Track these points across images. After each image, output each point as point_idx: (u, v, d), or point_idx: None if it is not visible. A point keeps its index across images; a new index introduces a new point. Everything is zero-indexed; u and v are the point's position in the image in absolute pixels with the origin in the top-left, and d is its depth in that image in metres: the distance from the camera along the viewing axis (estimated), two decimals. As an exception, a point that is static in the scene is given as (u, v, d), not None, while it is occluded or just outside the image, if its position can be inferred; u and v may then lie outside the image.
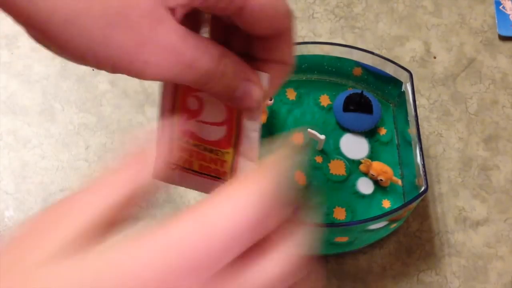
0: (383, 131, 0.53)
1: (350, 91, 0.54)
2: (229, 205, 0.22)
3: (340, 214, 0.49)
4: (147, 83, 0.58)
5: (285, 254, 0.24)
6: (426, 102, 0.58)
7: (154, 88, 0.58)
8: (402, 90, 0.53)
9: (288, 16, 0.30)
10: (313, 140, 0.52)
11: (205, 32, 0.33)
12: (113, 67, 0.28)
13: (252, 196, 0.23)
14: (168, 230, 0.23)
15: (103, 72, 0.58)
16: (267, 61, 0.32)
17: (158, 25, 0.27)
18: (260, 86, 0.31)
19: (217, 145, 0.32)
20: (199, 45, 0.29)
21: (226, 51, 0.30)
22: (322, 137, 0.51)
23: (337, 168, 0.52)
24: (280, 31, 0.30)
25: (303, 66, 0.55)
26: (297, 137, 0.53)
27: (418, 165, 0.48)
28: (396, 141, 0.53)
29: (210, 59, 0.29)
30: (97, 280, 0.21)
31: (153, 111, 0.57)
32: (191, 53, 0.28)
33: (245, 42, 0.32)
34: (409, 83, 0.51)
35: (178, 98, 0.34)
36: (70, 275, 0.22)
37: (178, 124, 0.33)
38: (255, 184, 0.23)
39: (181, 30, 0.28)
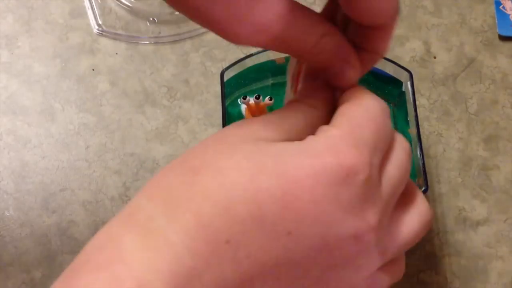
0: (383, 131, 0.53)
1: (350, 91, 0.54)
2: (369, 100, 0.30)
3: (340, 214, 0.49)
4: (147, 83, 0.58)
5: (405, 148, 0.30)
6: (426, 102, 0.58)
7: (154, 88, 0.58)
8: (402, 90, 0.53)
9: (395, 12, 0.31)
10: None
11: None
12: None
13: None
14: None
15: (103, 72, 0.58)
16: (360, 47, 0.32)
17: (256, 4, 0.28)
18: (356, 69, 0.32)
19: None
20: (301, 23, 0.29)
21: (331, 28, 0.30)
22: (322, 137, 0.51)
23: (337, 168, 0.52)
24: (383, 24, 0.31)
25: (303, 66, 0.55)
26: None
27: (418, 165, 0.48)
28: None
29: (309, 38, 0.29)
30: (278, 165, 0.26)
31: (153, 111, 0.57)
32: (289, 32, 0.29)
33: (345, 23, 0.32)
34: (409, 83, 0.51)
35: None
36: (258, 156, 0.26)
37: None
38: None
39: (281, 5, 0.28)
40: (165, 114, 0.57)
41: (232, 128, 0.29)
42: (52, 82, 0.58)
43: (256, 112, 0.52)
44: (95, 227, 0.52)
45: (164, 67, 0.58)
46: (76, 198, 0.53)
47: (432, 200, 0.53)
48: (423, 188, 0.46)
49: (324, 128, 0.28)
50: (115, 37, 0.60)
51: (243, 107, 0.53)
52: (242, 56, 0.53)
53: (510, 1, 0.62)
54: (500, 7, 0.62)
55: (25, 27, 0.60)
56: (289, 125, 0.29)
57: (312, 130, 0.29)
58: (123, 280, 0.24)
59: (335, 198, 0.26)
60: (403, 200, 0.31)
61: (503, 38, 0.60)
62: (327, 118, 0.31)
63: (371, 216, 0.27)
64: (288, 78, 0.36)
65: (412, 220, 0.30)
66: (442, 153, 0.55)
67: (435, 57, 0.60)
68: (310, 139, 0.28)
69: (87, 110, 0.57)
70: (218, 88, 0.53)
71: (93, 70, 0.58)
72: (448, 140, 0.56)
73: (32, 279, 0.50)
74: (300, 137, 0.28)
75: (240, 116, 0.53)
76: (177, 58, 0.59)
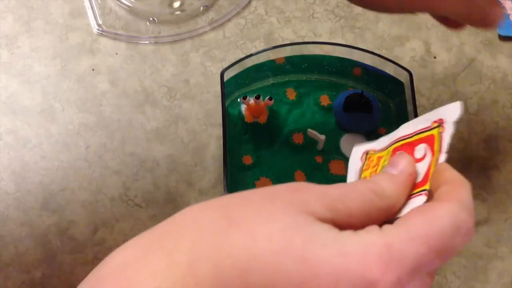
0: (383, 131, 0.53)
1: (350, 91, 0.54)
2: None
3: (340, 214, 0.49)
4: (147, 83, 0.58)
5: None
6: (426, 102, 0.58)
7: (154, 88, 0.58)
8: (402, 90, 0.53)
9: None
10: (313, 140, 0.52)
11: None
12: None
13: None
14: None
15: (103, 72, 0.58)
16: None
17: None
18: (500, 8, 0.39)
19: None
20: None
21: None
22: (322, 137, 0.51)
23: (337, 168, 0.52)
24: None
25: (303, 66, 0.55)
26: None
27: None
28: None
29: None
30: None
31: (153, 111, 0.57)
32: None
33: None
34: (409, 83, 0.51)
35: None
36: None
37: None
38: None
39: None
40: (165, 114, 0.57)
41: (285, 188, 0.28)
42: (52, 82, 0.58)
43: (256, 112, 0.52)
44: (95, 227, 0.52)
45: (164, 67, 0.59)
46: (76, 198, 0.53)
47: (432, 200, 0.53)
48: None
49: (371, 228, 0.27)
50: (115, 37, 0.60)
51: (243, 107, 0.53)
52: (242, 56, 0.53)
53: (510, 1, 0.62)
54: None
55: (25, 27, 0.60)
56: (343, 206, 0.28)
57: (367, 220, 0.28)
58: None
59: None
60: None
61: (503, 38, 0.60)
62: (392, 213, 0.29)
63: None
64: (358, 156, 0.36)
65: None
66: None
67: (435, 57, 0.60)
68: (350, 234, 0.26)
69: (87, 110, 0.57)
70: (218, 88, 0.53)
71: (93, 70, 0.58)
72: (448, 140, 0.56)
73: (32, 279, 0.50)
74: (351, 222, 0.27)
75: (240, 116, 0.53)
76: (177, 58, 0.59)
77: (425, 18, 0.61)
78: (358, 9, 0.62)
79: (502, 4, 0.62)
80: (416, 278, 0.26)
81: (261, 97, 0.51)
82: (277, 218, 0.26)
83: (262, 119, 0.53)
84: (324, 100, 0.54)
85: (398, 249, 0.26)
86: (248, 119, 0.53)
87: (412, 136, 0.33)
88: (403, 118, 0.52)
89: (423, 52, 0.60)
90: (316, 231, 0.26)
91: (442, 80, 0.59)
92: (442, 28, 0.61)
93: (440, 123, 0.33)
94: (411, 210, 0.28)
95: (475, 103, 0.58)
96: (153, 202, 0.53)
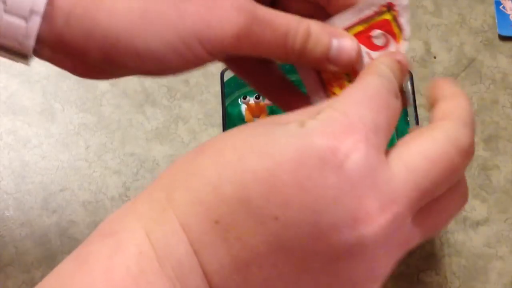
0: (383, 131, 0.53)
1: (350, 91, 0.54)
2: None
3: (340, 214, 0.49)
4: (147, 83, 0.58)
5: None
6: (426, 102, 0.57)
7: (154, 88, 0.58)
8: (403, 90, 0.53)
9: None
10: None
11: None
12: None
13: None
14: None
15: (103, 72, 0.58)
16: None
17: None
18: (351, 37, 0.31)
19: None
20: (271, 10, 0.30)
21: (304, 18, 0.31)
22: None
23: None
24: None
25: (303, 66, 0.55)
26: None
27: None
28: (396, 141, 0.53)
29: (290, 17, 0.30)
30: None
31: (153, 111, 0.57)
32: (265, 11, 0.29)
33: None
34: (409, 83, 0.51)
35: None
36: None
37: None
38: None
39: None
40: (165, 114, 0.57)
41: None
42: (52, 82, 0.58)
43: (256, 112, 0.52)
44: (95, 227, 0.52)
45: (164, 67, 0.58)
46: (76, 198, 0.53)
47: (432, 200, 0.53)
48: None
49: (323, 110, 0.27)
50: (115, 37, 0.60)
51: (243, 107, 0.53)
52: (242, 56, 0.53)
53: (510, 1, 0.62)
54: (500, 7, 0.62)
55: (25, 27, 0.60)
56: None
57: None
58: (126, 246, 0.25)
59: (324, 182, 0.24)
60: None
61: (503, 38, 0.60)
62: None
63: (371, 204, 0.24)
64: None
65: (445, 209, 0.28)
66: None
67: (435, 57, 0.60)
68: (308, 121, 0.26)
69: (87, 110, 0.57)
70: (218, 88, 0.53)
71: (93, 70, 0.58)
72: (448, 140, 0.56)
73: (32, 279, 0.50)
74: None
75: (240, 116, 0.53)
76: (177, 58, 0.59)
77: (425, 18, 0.61)
78: (358, 9, 0.62)
79: (502, 4, 0.62)
80: (381, 137, 0.26)
81: (261, 97, 0.51)
82: (242, 132, 0.26)
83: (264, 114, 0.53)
84: (324, 100, 0.54)
85: (354, 112, 0.25)
86: (248, 119, 0.53)
87: (358, 25, 0.31)
88: (403, 118, 0.52)
89: (423, 52, 0.60)
90: (279, 129, 0.26)
91: (442, 80, 0.59)
92: (442, 28, 0.61)
93: (389, 7, 0.31)
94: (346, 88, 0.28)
95: (475, 103, 0.58)
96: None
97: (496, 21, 0.61)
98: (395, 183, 0.25)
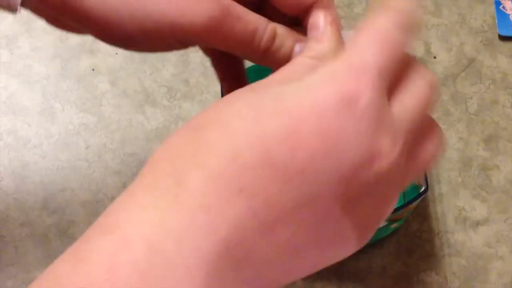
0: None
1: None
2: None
3: (340, 214, 0.49)
4: (147, 83, 0.58)
5: (426, 78, 0.28)
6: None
7: (154, 88, 0.58)
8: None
9: None
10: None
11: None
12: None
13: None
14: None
15: (103, 72, 0.58)
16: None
17: None
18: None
19: None
20: (244, 8, 0.30)
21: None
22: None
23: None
24: (307, 7, 0.31)
25: (303, 66, 0.55)
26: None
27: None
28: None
29: (260, 17, 0.30)
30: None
31: (153, 111, 0.57)
32: (238, 7, 0.30)
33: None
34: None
35: None
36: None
37: None
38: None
39: None
40: (165, 114, 0.57)
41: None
42: (52, 82, 0.58)
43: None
44: (95, 227, 0.52)
45: (164, 67, 0.59)
46: (76, 198, 0.53)
47: (432, 200, 0.53)
48: (423, 188, 0.46)
49: (324, 60, 0.28)
50: (115, 37, 0.60)
51: (243, 107, 0.53)
52: (242, 56, 0.53)
53: (510, 1, 0.62)
54: (500, 7, 0.62)
55: (25, 27, 0.60)
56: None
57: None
58: (132, 241, 0.24)
59: (342, 128, 0.25)
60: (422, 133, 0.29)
61: (503, 38, 0.60)
62: None
63: (384, 141, 0.26)
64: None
65: (428, 149, 0.29)
66: (442, 153, 0.55)
67: (435, 57, 0.60)
68: (308, 74, 0.26)
69: (87, 110, 0.57)
70: (218, 88, 0.53)
71: (93, 70, 0.58)
72: (448, 140, 0.56)
73: (32, 279, 0.50)
74: None
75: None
76: (177, 58, 0.59)
77: (425, 18, 0.61)
78: (358, 9, 0.62)
79: (502, 4, 0.62)
80: (386, 80, 0.27)
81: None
82: (237, 99, 0.26)
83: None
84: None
85: (357, 57, 0.26)
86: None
87: None
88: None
89: (423, 52, 0.60)
90: (278, 88, 0.26)
91: (442, 80, 0.59)
92: (442, 28, 0.61)
93: None
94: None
95: (475, 103, 0.58)
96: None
97: (496, 21, 0.61)
98: (396, 122, 0.27)
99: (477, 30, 0.61)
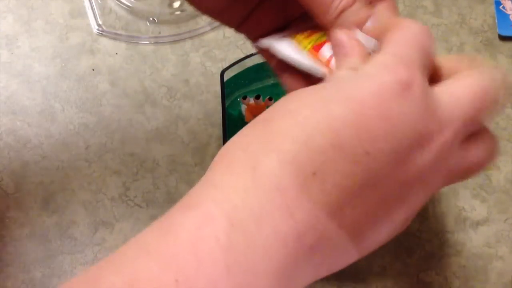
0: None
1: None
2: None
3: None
4: (147, 83, 0.58)
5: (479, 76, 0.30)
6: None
7: (154, 88, 0.58)
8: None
9: None
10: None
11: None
12: None
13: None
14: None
15: (103, 72, 0.58)
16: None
17: None
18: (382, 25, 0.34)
19: None
20: None
21: None
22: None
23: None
24: None
25: (303, 66, 0.55)
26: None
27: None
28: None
29: None
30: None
31: (153, 111, 0.57)
32: None
33: None
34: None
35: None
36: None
37: None
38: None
39: None
40: (165, 114, 0.57)
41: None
42: (52, 82, 0.58)
43: (256, 112, 0.52)
44: (95, 227, 0.52)
45: (164, 67, 0.59)
46: (76, 198, 0.53)
47: (432, 200, 0.53)
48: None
49: (371, 57, 0.30)
50: (115, 37, 0.60)
51: (243, 107, 0.53)
52: (242, 56, 0.53)
53: (510, 1, 0.62)
54: (500, 7, 0.62)
55: (25, 27, 0.60)
56: None
57: None
58: (214, 218, 0.25)
59: (399, 110, 0.27)
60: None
61: (503, 38, 0.60)
62: None
63: (432, 125, 0.28)
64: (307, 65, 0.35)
65: (479, 148, 0.31)
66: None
67: (435, 57, 0.60)
68: (360, 67, 0.29)
69: (87, 110, 0.57)
70: (218, 88, 0.53)
71: (93, 70, 0.58)
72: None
73: (32, 279, 0.50)
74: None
75: (240, 116, 0.53)
76: (177, 58, 0.59)
77: (425, 18, 0.61)
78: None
79: (502, 4, 0.62)
80: (426, 73, 0.29)
81: (261, 97, 0.51)
82: (299, 93, 0.29)
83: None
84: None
85: (404, 53, 0.29)
86: (248, 119, 0.53)
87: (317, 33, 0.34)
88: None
89: (423, 52, 0.60)
90: (335, 81, 0.29)
91: (442, 80, 0.59)
92: (442, 28, 0.61)
93: None
94: (386, 36, 0.31)
95: (475, 103, 0.58)
96: (153, 202, 0.53)
97: (496, 21, 0.61)
98: (443, 110, 0.29)
99: (477, 30, 0.61)
